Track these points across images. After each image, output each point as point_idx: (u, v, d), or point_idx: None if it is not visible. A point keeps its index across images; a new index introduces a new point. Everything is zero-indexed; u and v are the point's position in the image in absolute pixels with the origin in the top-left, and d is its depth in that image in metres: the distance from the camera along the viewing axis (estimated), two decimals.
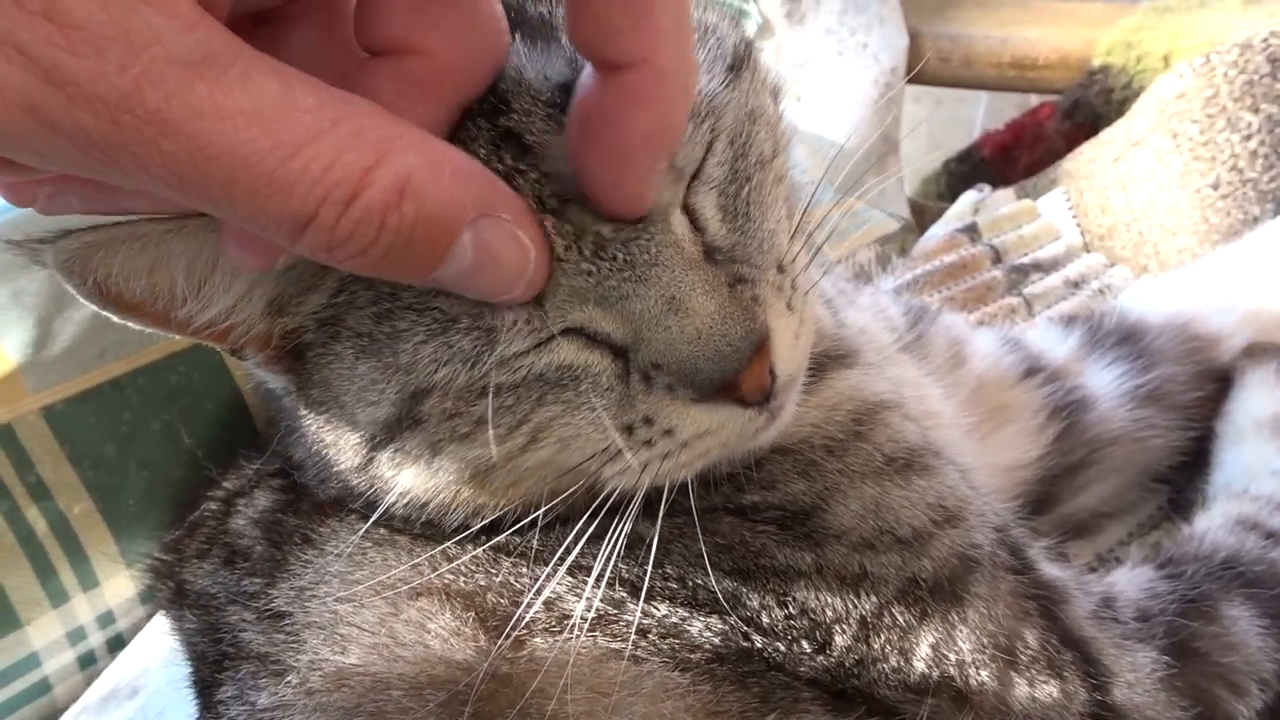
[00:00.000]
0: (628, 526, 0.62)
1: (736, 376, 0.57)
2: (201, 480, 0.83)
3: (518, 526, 0.63)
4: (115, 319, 0.58)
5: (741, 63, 0.64)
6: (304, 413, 0.66)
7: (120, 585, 0.85)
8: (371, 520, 0.65)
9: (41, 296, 0.83)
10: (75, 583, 0.83)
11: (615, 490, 0.61)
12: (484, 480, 0.63)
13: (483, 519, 0.65)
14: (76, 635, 0.84)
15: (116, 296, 0.56)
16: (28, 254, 0.54)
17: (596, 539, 0.62)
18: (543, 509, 0.63)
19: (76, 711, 0.81)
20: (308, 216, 0.42)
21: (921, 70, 1.54)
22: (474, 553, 0.66)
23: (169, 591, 0.75)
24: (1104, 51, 1.44)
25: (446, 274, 0.47)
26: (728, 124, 0.62)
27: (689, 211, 0.60)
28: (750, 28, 1.48)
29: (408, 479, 0.64)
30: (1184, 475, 1.02)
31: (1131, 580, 0.78)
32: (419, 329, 0.58)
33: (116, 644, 0.86)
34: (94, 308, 0.56)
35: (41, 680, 0.82)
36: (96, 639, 0.85)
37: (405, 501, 0.65)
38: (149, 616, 0.86)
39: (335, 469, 0.67)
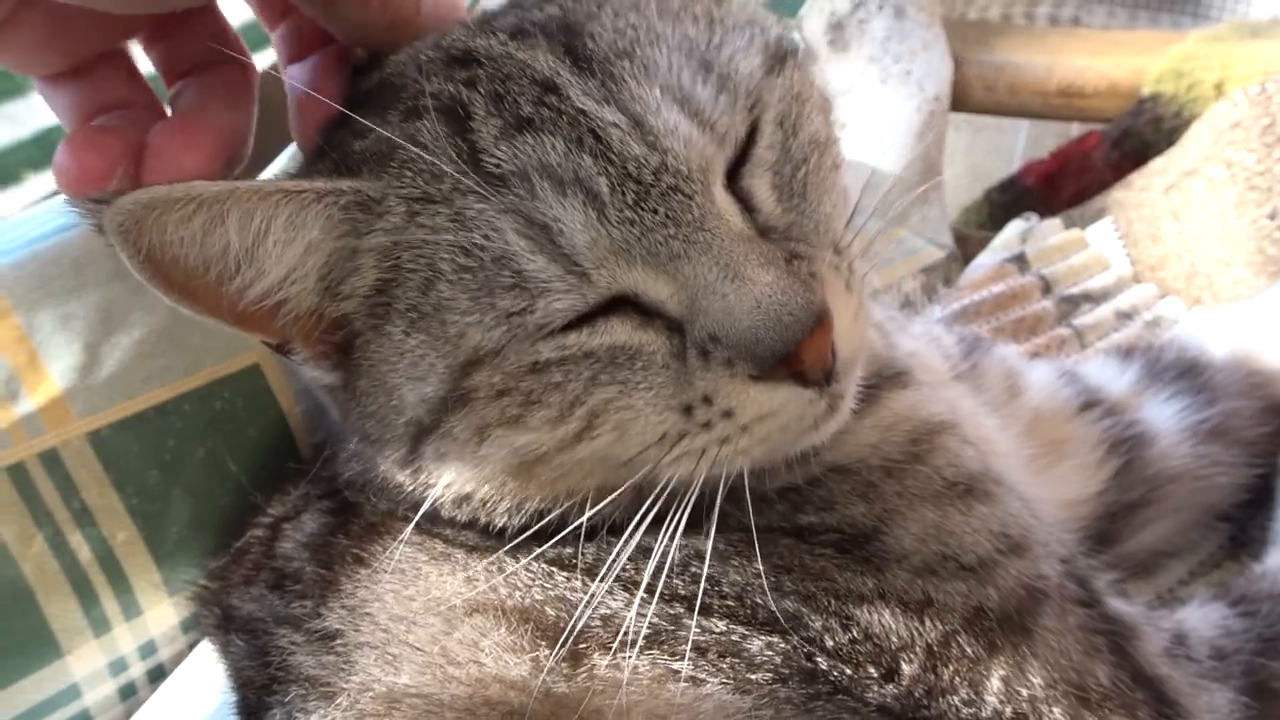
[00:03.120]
0: (681, 526, 0.60)
1: (798, 348, 0.56)
2: (246, 507, 0.82)
3: (566, 534, 0.62)
4: (168, 301, 0.59)
5: (785, 56, 0.66)
6: (353, 410, 0.66)
7: (163, 614, 0.84)
8: (419, 514, 0.64)
9: (89, 321, 0.83)
10: (118, 611, 0.82)
11: (671, 481, 0.60)
12: (530, 472, 0.63)
13: (528, 516, 0.65)
14: (118, 665, 0.83)
15: (170, 265, 0.57)
16: (86, 213, 0.55)
17: (650, 552, 0.61)
18: (588, 511, 0.62)
19: None
20: None
21: (966, 98, 1.52)
22: (527, 563, 0.65)
23: (214, 618, 0.74)
24: (1154, 80, 1.41)
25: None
26: (773, 106, 0.63)
27: (742, 194, 0.61)
28: None
29: (452, 471, 0.63)
30: (1247, 512, 0.99)
31: (1204, 617, 0.75)
32: (464, 294, 0.58)
33: (158, 674, 0.85)
34: (149, 285, 0.57)
35: (82, 712, 0.81)
36: (138, 669, 0.84)
37: (451, 496, 0.65)
38: (190, 647, 0.85)
39: (381, 470, 0.67)
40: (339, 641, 0.65)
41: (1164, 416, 0.96)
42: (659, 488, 0.60)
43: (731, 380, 0.58)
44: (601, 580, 0.62)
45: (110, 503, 0.82)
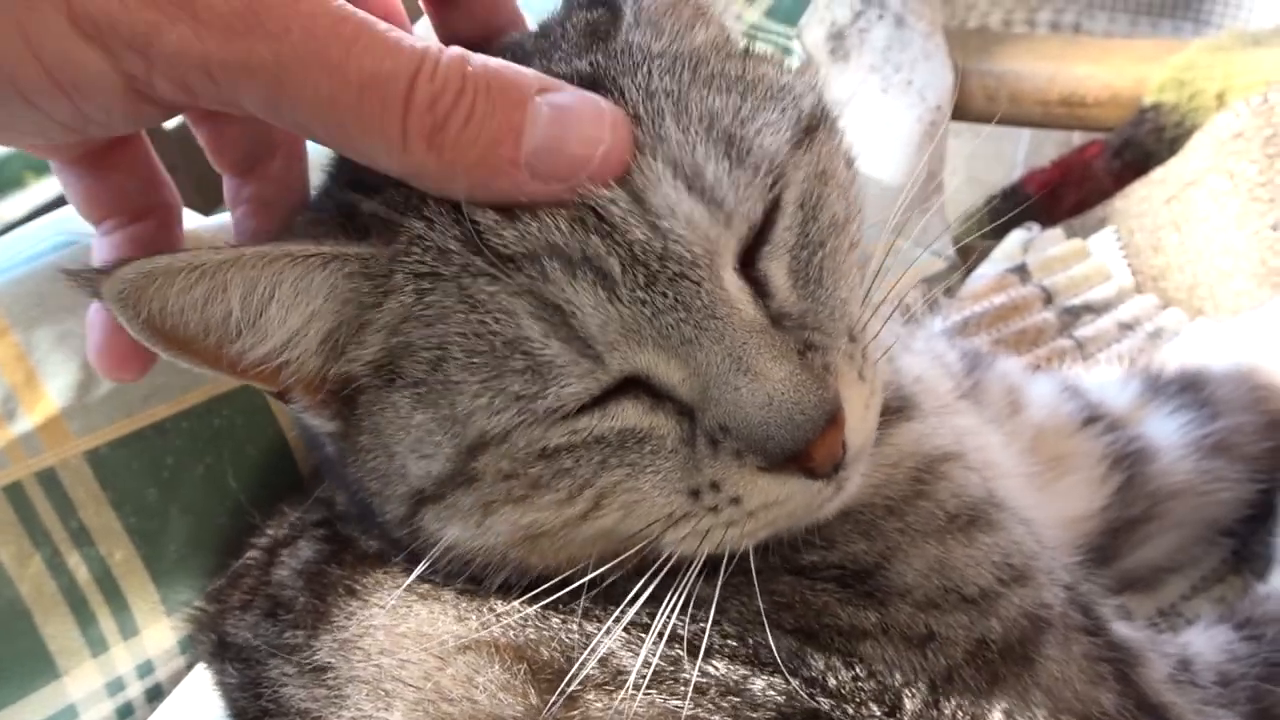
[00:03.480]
0: (686, 589, 0.60)
1: (809, 446, 0.56)
2: (245, 527, 0.82)
3: (569, 589, 0.61)
4: (164, 356, 0.58)
5: (817, 125, 0.64)
6: (350, 460, 0.65)
7: (160, 634, 0.84)
8: (414, 575, 0.64)
9: (87, 340, 0.82)
10: (115, 631, 0.82)
11: (674, 556, 0.60)
12: (534, 544, 0.62)
13: (528, 580, 0.64)
14: (115, 686, 0.82)
15: (170, 331, 0.56)
16: (83, 284, 0.55)
17: (652, 598, 0.60)
18: (589, 574, 0.61)
19: None
20: (413, 72, 0.51)
21: (968, 107, 1.52)
22: (521, 609, 0.64)
23: (211, 644, 0.73)
24: (1155, 89, 1.41)
25: (533, 141, 0.53)
26: (796, 185, 0.61)
27: (756, 278, 0.59)
28: (793, 63, 1.46)
29: (453, 535, 0.62)
30: (1249, 527, 0.98)
31: (1208, 641, 0.75)
32: (474, 376, 0.57)
33: (155, 694, 0.84)
34: (145, 344, 0.56)
35: None
36: (135, 689, 0.83)
37: (449, 558, 0.64)
38: (189, 667, 0.84)
39: (379, 520, 0.66)
40: (330, 675, 0.65)
41: (1166, 431, 0.96)
42: (661, 559, 0.60)
43: (740, 470, 0.57)
44: (608, 628, 0.61)
45: (108, 522, 0.81)
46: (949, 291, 1.39)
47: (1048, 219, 1.52)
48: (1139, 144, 1.45)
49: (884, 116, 1.48)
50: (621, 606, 0.60)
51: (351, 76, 0.50)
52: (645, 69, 0.60)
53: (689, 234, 0.56)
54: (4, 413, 0.79)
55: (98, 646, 0.81)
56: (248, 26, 0.49)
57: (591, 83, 0.58)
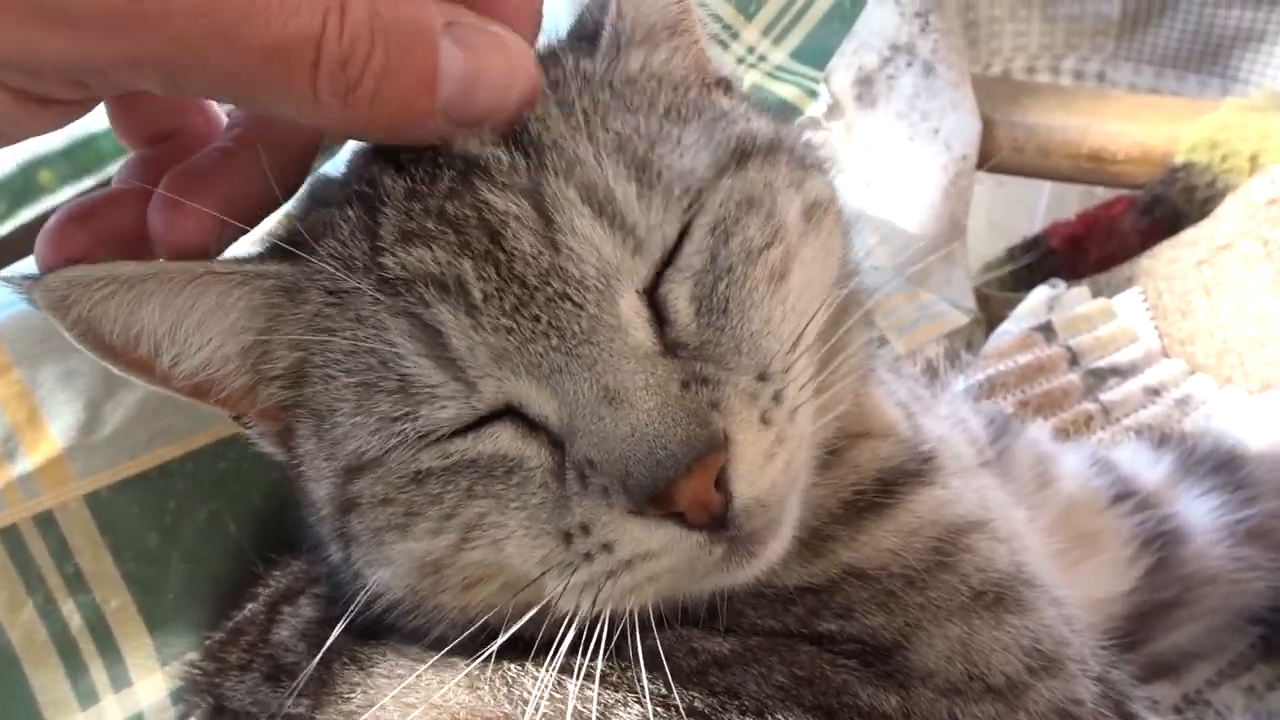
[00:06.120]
0: (637, 644, 0.57)
1: (669, 486, 0.52)
2: (246, 576, 0.79)
3: (584, 646, 0.58)
4: (113, 369, 0.59)
5: (752, 152, 0.62)
6: (301, 500, 0.66)
7: (153, 685, 0.81)
8: (343, 623, 0.62)
9: (92, 378, 0.80)
10: (106, 682, 0.79)
11: (574, 613, 0.57)
12: (439, 579, 0.60)
13: (457, 628, 0.61)
14: None
15: (106, 341, 0.58)
16: (20, 290, 0.57)
17: (656, 655, 0.58)
18: (513, 627, 0.58)
19: None
20: (317, 35, 0.49)
21: (993, 158, 1.49)
22: (535, 672, 0.61)
23: (207, 709, 0.70)
24: (1187, 148, 1.39)
25: (448, 89, 0.54)
26: (712, 211, 0.59)
27: (657, 301, 0.57)
28: (820, 108, 1.44)
29: (374, 574, 0.61)
30: (1276, 614, 0.95)
31: None
32: (353, 396, 0.58)
33: None
34: (94, 357, 0.58)
35: None
36: None
37: (384, 602, 0.63)
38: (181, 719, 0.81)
39: (331, 567, 0.66)
40: None
41: (1200, 513, 0.93)
42: (568, 616, 0.57)
43: (609, 511, 0.54)
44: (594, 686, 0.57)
45: (105, 567, 0.79)
46: (969, 345, 1.37)
47: (1070, 273, 1.50)
48: (1169, 203, 1.42)
49: (909, 164, 1.46)
50: (548, 661, 0.57)
51: (253, 46, 0.49)
52: (570, 88, 0.61)
53: (588, 256, 0.55)
54: (3, 452, 0.77)
55: (88, 699, 0.78)
56: (129, 20, 0.47)
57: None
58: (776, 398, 0.57)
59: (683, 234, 0.58)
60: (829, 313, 0.63)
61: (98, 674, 0.78)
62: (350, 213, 0.60)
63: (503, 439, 0.57)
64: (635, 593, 0.56)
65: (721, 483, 0.53)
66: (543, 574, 0.57)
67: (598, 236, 0.55)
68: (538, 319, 0.54)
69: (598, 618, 0.57)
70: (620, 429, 0.52)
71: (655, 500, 0.52)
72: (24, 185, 1.14)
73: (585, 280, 0.55)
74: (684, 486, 0.52)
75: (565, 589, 0.56)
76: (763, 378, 0.57)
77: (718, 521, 0.54)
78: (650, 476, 0.52)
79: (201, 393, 0.62)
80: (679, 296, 0.58)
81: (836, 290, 0.65)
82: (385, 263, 0.57)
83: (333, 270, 0.58)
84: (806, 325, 0.61)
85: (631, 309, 0.56)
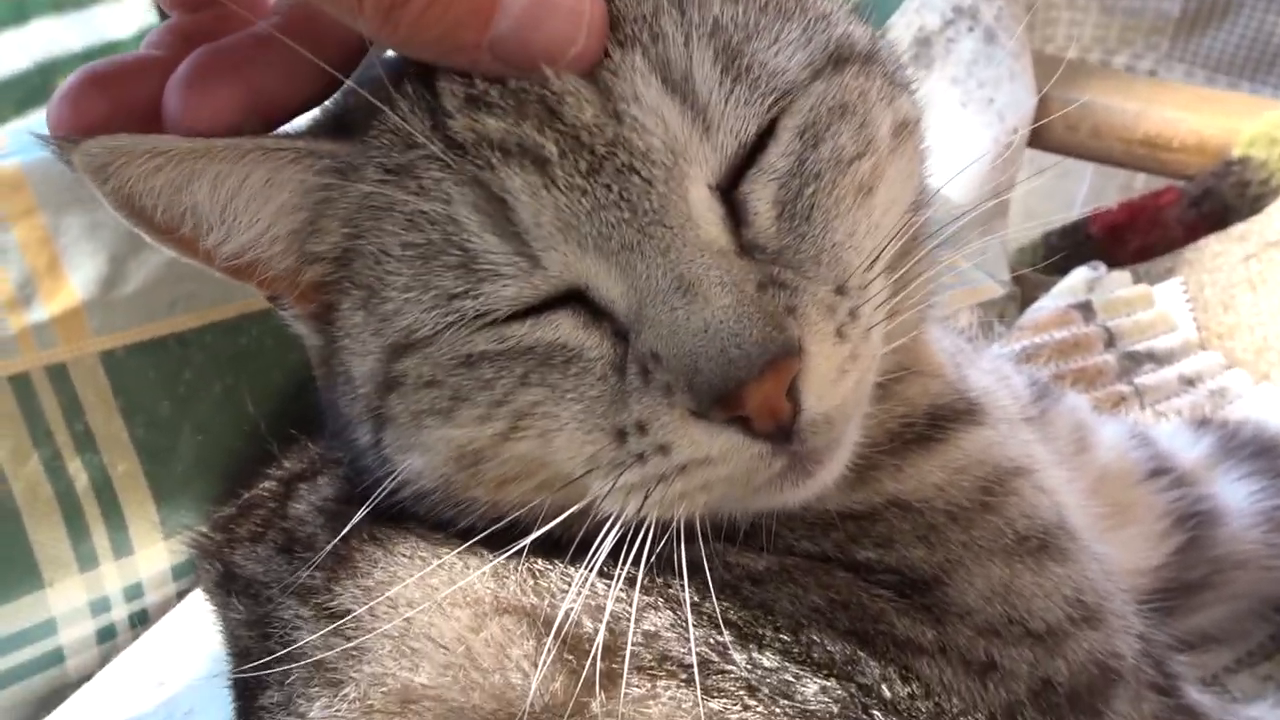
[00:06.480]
0: (682, 553, 0.55)
1: (739, 388, 0.49)
2: (260, 455, 0.76)
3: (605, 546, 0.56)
4: (150, 241, 0.57)
5: (850, 57, 0.60)
6: (332, 384, 0.63)
7: (154, 556, 0.78)
8: (369, 504, 0.60)
9: (118, 233, 0.77)
10: (108, 548, 0.76)
11: (618, 518, 0.54)
12: (476, 471, 0.58)
13: (487, 521, 0.59)
14: (100, 605, 0.77)
15: (146, 214, 0.55)
16: (57, 152, 0.54)
17: (696, 566, 0.56)
18: (547, 526, 0.56)
19: (94, 691, 0.74)
20: None
21: (1046, 135, 1.47)
22: (564, 568, 0.59)
23: (215, 574, 0.68)
24: (1245, 143, 1.36)
25: (503, 27, 0.49)
26: (801, 113, 0.57)
27: (737, 201, 0.55)
28: None
29: (406, 461, 0.59)
30: None
31: None
32: (408, 269, 0.56)
33: (140, 619, 0.79)
34: (127, 224, 0.55)
35: (55, 650, 0.75)
36: (120, 612, 0.78)
37: (411, 490, 0.61)
38: (179, 596, 0.79)
39: (357, 451, 0.64)
40: (351, 624, 0.59)
41: (1236, 497, 0.90)
42: (610, 520, 0.55)
43: (670, 410, 0.52)
44: (619, 588, 0.55)
45: (115, 430, 0.76)
46: (1004, 319, 1.34)
47: (1108, 262, 1.47)
48: (1219, 196, 1.39)
49: (960, 131, 1.43)
50: (583, 567, 0.55)
51: None
52: None
53: (653, 126, 0.53)
54: (20, 298, 0.74)
55: (87, 561, 0.76)
56: None
57: None
58: (853, 314, 0.55)
59: (767, 134, 0.56)
60: (906, 237, 0.61)
61: (99, 538, 0.76)
62: (408, 89, 0.57)
63: (563, 326, 0.55)
64: (685, 500, 0.54)
65: (791, 393, 0.51)
66: (587, 473, 0.55)
67: (665, 108, 0.53)
68: (609, 187, 0.52)
69: (640, 523, 0.55)
70: (693, 322, 0.50)
71: (722, 402, 0.50)
72: (41, 83, 1.11)
73: (651, 154, 0.53)
74: (755, 390, 0.50)
75: (611, 489, 0.54)
76: (840, 291, 0.55)
77: (782, 433, 0.52)
78: (721, 375, 0.49)
79: (243, 273, 0.60)
80: (760, 199, 0.56)
81: (911, 216, 0.62)
82: (453, 126, 0.54)
83: (393, 145, 0.56)
84: (887, 244, 0.58)
85: (704, 204, 0.54)
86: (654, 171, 0.52)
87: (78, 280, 0.76)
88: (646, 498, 0.54)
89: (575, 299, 0.55)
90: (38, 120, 0.95)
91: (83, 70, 0.58)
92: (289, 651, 0.58)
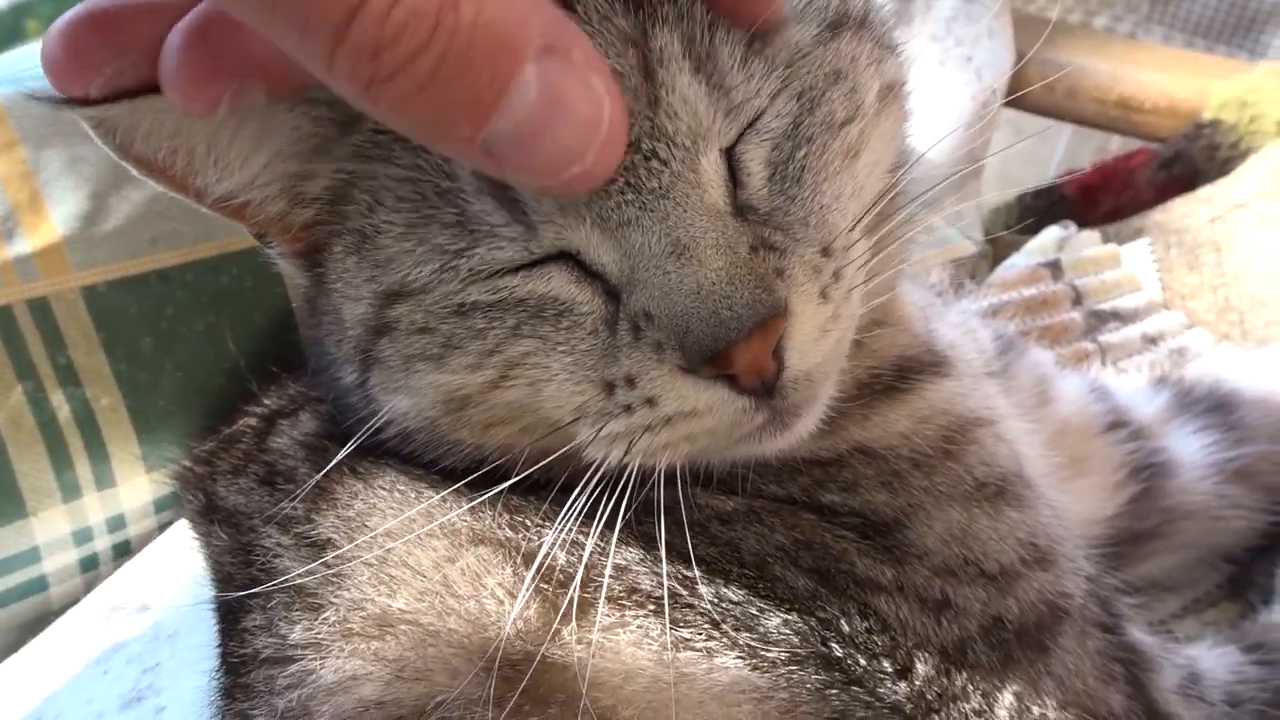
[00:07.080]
0: (661, 496, 0.57)
1: (729, 348, 0.51)
2: (241, 392, 0.78)
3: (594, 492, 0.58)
4: (134, 172, 0.56)
5: (845, 23, 0.61)
6: (318, 323, 0.64)
7: (136, 488, 0.79)
8: (353, 442, 0.61)
9: (100, 168, 0.77)
10: (90, 479, 0.77)
11: (601, 463, 0.56)
12: (461, 415, 0.59)
13: (470, 463, 0.61)
14: (83, 535, 0.78)
15: (129, 149, 0.54)
16: (54, 104, 0.52)
17: (668, 509, 0.57)
18: (531, 469, 0.58)
19: (79, 617, 0.75)
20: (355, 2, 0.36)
21: (1021, 95, 1.48)
22: (540, 506, 0.61)
23: (198, 504, 0.69)
24: (1216, 106, 1.38)
25: (503, 125, 0.40)
26: (800, 79, 0.57)
27: (734, 161, 0.56)
28: None
29: (392, 401, 0.61)
30: (1252, 556, 0.97)
31: (1217, 660, 0.74)
32: (402, 220, 0.56)
33: (123, 550, 0.80)
34: (114, 157, 0.54)
35: (39, 577, 0.77)
36: (103, 542, 0.79)
37: (396, 431, 0.62)
38: (160, 528, 0.80)
39: (341, 389, 0.65)
40: (330, 552, 0.61)
41: (1190, 449, 0.93)
42: (593, 467, 0.57)
43: (659, 366, 0.53)
44: (600, 533, 0.57)
45: (98, 364, 0.77)
46: (976, 277, 1.36)
47: (1079, 222, 1.49)
48: (1190, 159, 1.42)
49: (937, 89, 1.44)
50: (564, 511, 0.57)
51: None
52: None
53: (683, 113, 0.53)
54: (2, 231, 0.74)
55: (70, 492, 0.77)
56: None
57: None
58: (836, 275, 0.56)
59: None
60: (886, 201, 0.62)
61: (82, 470, 0.77)
62: None
63: (556, 281, 0.55)
64: (669, 449, 0.56)
65: (776, 352, 0.53)
66: (574, 420, 0.57)
67: (695, 95, 0.53)
68: (615, 177, 0.52)
69: (622, 470, 0.56)
70: (686, 284, 0.51)
71: (712, 360, 0.52)
72: (14, 26, 1.10)
73: (676, 137, 0.53)
74: (743, 350, 0.52)
75: (597, 437, 0.56)
76: (825, 253, 0.56)
77: (766, 389, 0.54)
78: (711, 336, 0.51)
79: (234, 213, 0.60)
80: (754, 159, 0.56)
81: (892, 178, 0.64)
82: None
83: None
84: (871, 207, 0.60)
85: (712, 167, 0.55)
86: (673, 153, 0.53)
87: (58, 216, 0.76)
88: (630, 447, 0.55)
89: (567, 257, 0.55)
90: (10, 58, 0.94)
91: (84, 8, 0.51)
92: (269, 577, 0.60)
